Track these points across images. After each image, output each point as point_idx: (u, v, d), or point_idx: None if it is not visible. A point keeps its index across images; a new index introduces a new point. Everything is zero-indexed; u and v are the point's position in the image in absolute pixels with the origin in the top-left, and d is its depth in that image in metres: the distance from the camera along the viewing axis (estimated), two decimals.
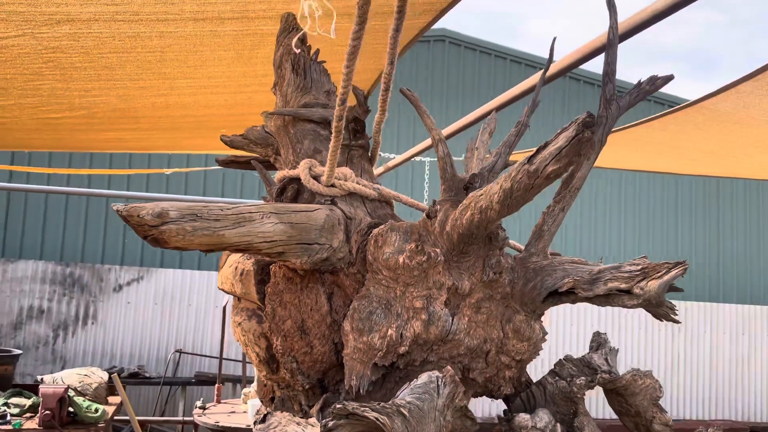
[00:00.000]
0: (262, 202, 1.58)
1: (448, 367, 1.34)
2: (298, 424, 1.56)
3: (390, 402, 1.22)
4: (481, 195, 1.40)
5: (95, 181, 8.47)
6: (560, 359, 1.78)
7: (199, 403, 5.26)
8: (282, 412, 1.63)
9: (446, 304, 1.53)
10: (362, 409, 1.18)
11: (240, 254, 1.61)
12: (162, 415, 7.42)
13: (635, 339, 9.02)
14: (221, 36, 2.70)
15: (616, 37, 1.62)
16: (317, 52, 1.86)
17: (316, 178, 1.62)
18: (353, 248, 1.57)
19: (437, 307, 1.51)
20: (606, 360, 1.77)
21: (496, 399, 1.80)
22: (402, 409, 1.22)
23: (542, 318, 1.80)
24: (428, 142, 3.94)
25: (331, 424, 1.16)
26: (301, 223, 1.44)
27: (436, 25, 3.04)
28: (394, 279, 1.53)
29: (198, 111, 3.63)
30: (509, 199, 1.30)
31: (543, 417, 1.66)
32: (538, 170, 1.19)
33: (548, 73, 2.80)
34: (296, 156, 1.70)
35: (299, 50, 1.78)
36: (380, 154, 6.16)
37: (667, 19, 1.90)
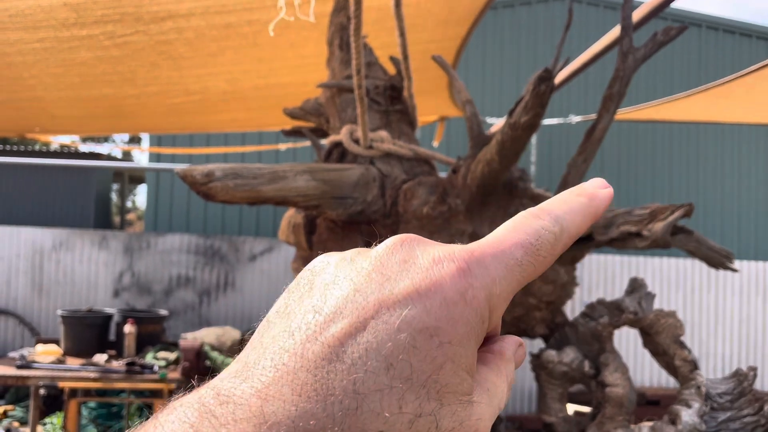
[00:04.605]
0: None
1: None
2: None
3: None
4: (487, 148, 1.55)
5: (229, 159, 9.23)
6: (592, 302, 1.88)
7: None
8: None
9: None
10: None
11: (293, 209, 1.87)
12: None
13: None
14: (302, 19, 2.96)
15: None
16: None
17: (357, 141, 1.84)
18: (388, 202, 1.77)
19: None
20: (639, 303, 1.85)
21: (532, 339, 1.93)
22: None
23: (575, 265, 1.91)
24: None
25: None
26: (334, 180, 1.66)
27: None
28: (421, 227, 1.72)
29: (297, 89, 3.94)
30: (504, 150, 1.44)
31: (569, 353, 1.79)
32: (516, 122, 1.33)
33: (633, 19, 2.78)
34: (341, 123, 1.92)
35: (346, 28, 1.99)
36: (485, 120, 6.15)
37: None
